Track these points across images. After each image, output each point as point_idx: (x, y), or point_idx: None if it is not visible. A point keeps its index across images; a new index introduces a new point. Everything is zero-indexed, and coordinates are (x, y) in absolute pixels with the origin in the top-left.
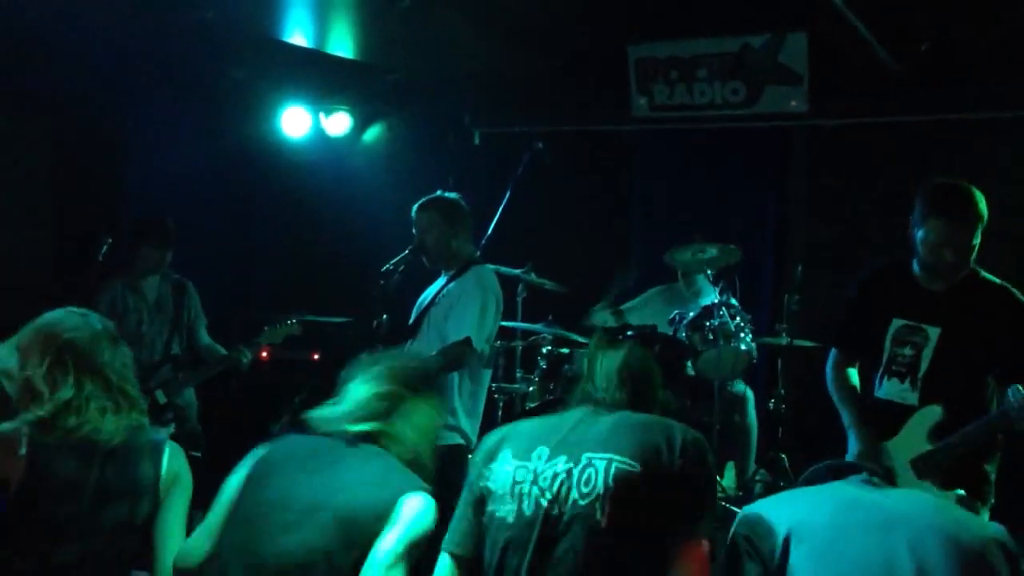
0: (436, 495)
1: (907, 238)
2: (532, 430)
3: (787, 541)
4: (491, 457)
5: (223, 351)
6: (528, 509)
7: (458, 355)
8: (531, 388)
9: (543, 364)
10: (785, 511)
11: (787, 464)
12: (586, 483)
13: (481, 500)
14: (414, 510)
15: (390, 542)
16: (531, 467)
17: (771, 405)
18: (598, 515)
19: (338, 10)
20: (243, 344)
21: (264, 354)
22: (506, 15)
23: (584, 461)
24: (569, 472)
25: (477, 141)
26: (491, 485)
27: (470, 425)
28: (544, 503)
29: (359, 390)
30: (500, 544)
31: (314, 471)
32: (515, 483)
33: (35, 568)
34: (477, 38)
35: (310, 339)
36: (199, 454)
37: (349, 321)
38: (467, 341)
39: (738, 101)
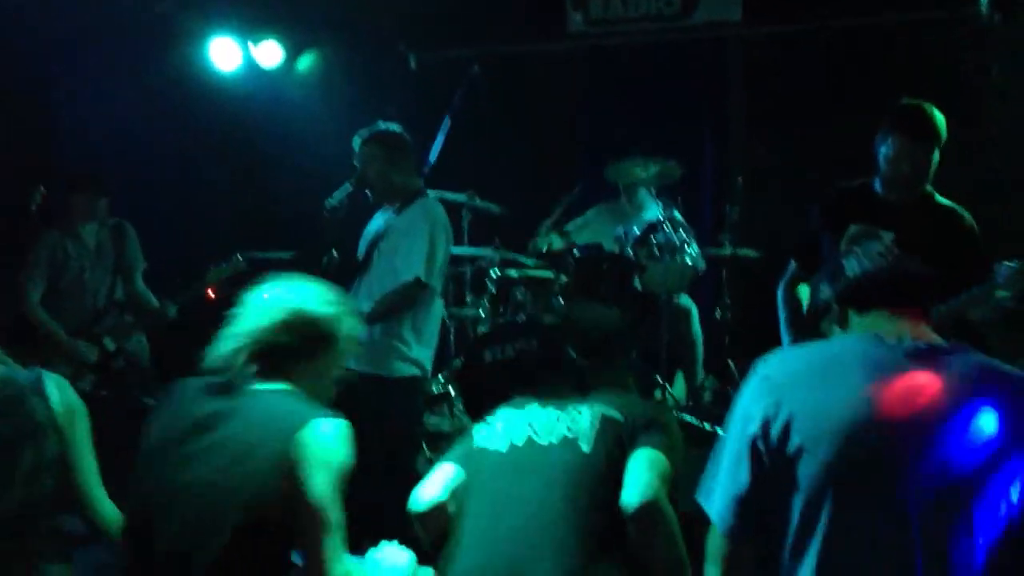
0: (399, 425)
1: (872, 156)
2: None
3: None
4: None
5: (155, 302)
6: (519, 441)
7: (407, 295)
8: (481, 312)
9: (492, 288)
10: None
11: (734, 370)
12: (574, 421)
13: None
14: (327, 437)
15: (318, 486)
16: (522, 414)
17: (717, 314)
18: (582, 444)
19: None
20: (169, 299)
21: (211, 294)
22: None
23: (572, 409)
24: (559, 416)
25: (413, 66)
26: (483, 428)
27: (425, 355)
28: (534, 437)
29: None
30: (487, 469)
31: (218, 409)
32: (508, 423)
33: None
34: None
35: (256, 275)
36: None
37: (294, 255)
38: (416, 281)
39: (672, 12)
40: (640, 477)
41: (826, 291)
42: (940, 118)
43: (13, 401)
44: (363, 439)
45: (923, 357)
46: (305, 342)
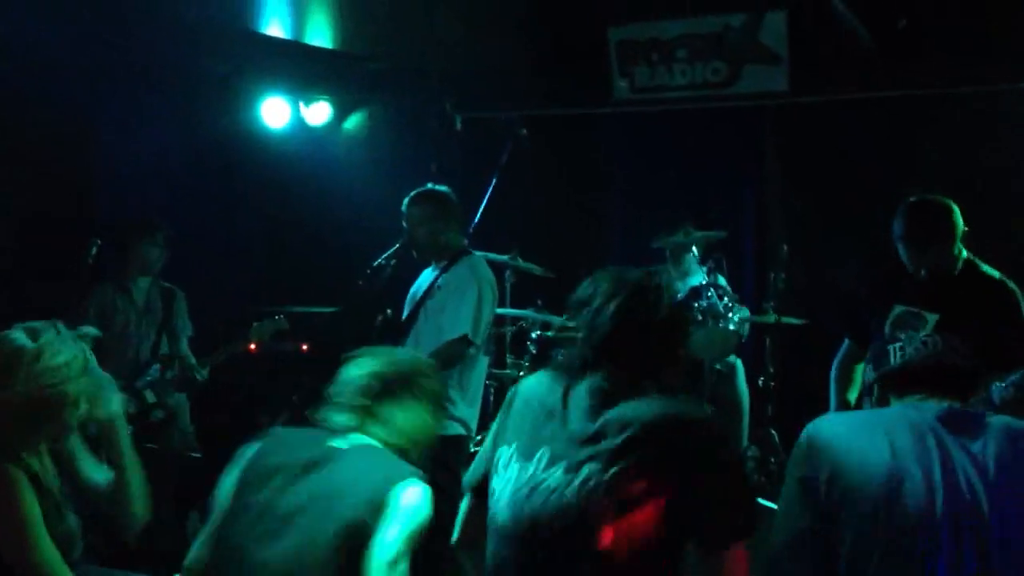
0: (434, 482)
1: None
2: (536, 420)
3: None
4: (499, 441)
5: (193, 363)
6: (522, 518)
7: (453, 353)
8: (521, 373)
9: (533, 349)
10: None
11: (776, 440)
12: (582, 482)
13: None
14: (410, 501)
15: (390, 538)
16: (531, 471)
17: (760, 382)
18: (591, 524)
19: (315, 0)
20: (200, 360)
21: (252, 347)
22: None
23: (584, 473)
24: (569, 482)
25: (459, 126)
26: (494, 484)
27: (470, 413)
28: (537, 513)
29: (352, 372)
30: (499, 553)
31: (303, 474)
32: (515, 490)
33: None
34: (456, 23)
35: (298, 330)
36: (199, 454)
37: (336, 311)
38: (463, 339)
39: (718, 81)
40: None
41: (870, 373)
42: (951, 213)
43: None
44: None
45: (956, 420)
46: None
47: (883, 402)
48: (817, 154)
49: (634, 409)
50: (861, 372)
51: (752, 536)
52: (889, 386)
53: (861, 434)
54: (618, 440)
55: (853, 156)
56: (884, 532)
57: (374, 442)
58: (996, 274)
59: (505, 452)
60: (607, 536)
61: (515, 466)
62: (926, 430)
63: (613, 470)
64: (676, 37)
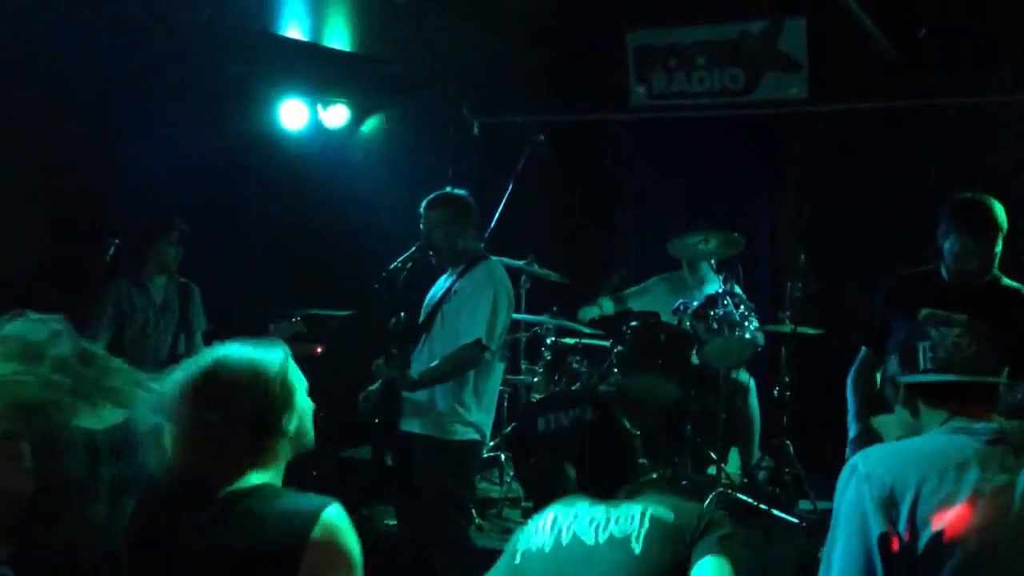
0: (448, 491)
1: (936, 246)
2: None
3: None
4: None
5: None
6: (565, 540)
7: (468, 357)
8: (536, 379)
9: (547, 355)
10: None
11: (791, 451)
12: (623, 520)
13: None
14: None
15: None
16: (571, 511)
17: (775, 392)
18: (633, 545)
19: (334, 2)
20: None
21: None
22: (504, 4)
23: (622, 507)
24: (608, 517)
25: (476, 131)
26: (528, 529)
27: (484, 419)
28: (581, 535)
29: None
30: (531, 571)
31: None
32: (555, 521)
33: None
34: (475, 28)
35: (313, 333)
36: None
37: (351, 314)
38: (477, 343)
39: (737, 88)
40: None
41: (894, 366)
42: (999, 209)
43: (128, 447)
44: (416, 500)
45: (1002, 441)
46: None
47: (911, 405)
48: (835, 162)
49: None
50: (879, 379)
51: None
52: (922, 394)
53: (936, 471)
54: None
55: (871, 165)
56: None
57: None
58: (1018, 285)
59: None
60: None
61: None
62: (990, 458)
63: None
64: (694, 43)
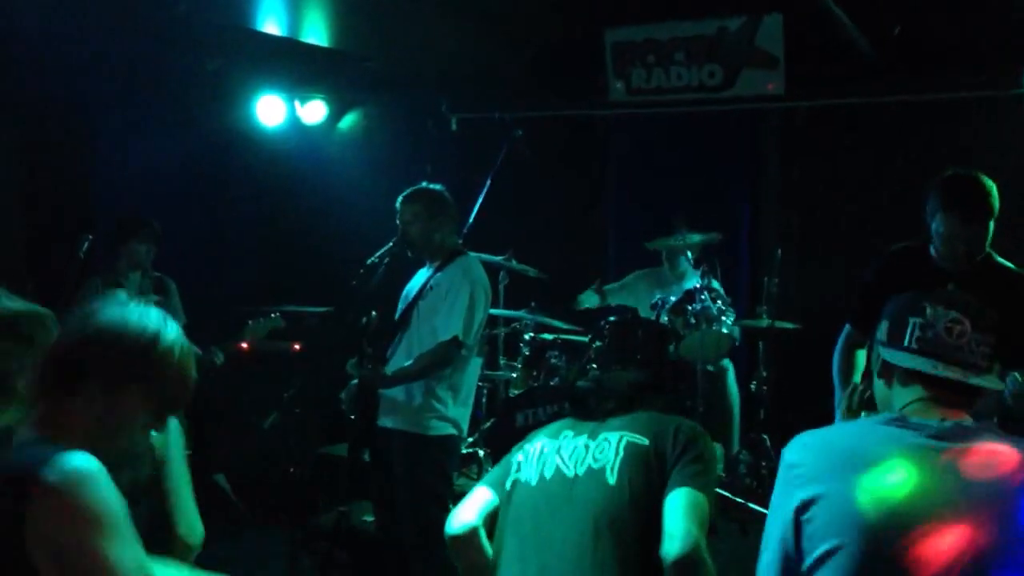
0: (424, 481)
1: (923, 224)
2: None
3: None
4: (525, 440)
5: (197, 352)
6: (548, 473)
7: (445, 354)
8: (514, 375)
9: (526, 351)
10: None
11: (769, 445)
12: (601, 450)
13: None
14: None
15: None
16: (556, 443)
17: (753, 387)
18: (608, 476)
19: None
20: (216, 345)
21: (244, 346)
22: (483, 0)
23: (600, 437)
24: (587, 446)
25: (454, 127)
26: (520, 455)
27: (461, 414)
28: (562, 468)
29: None
30: (518, 503)
31: None
32: (541, 452)
33: None
34: (453, 24)
35: (291, 330)
36: (188, 451)
37: (329, 311)
38: (454, 340)
39: (715, 84)
40: (679, 525)
41: (882, 332)
42: (992, 189)
43: None
44: (395, 495)
45: (948, 437)
46: None
47: (886, 375)
48: (813, 158)
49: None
50: (862, 358)
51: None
52: (900, 370)
53: (849, 464)
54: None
55: (849, 160)
56: None
57: None
58: (1012, 266)
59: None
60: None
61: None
62: (919, 453)
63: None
64: (672, 39)
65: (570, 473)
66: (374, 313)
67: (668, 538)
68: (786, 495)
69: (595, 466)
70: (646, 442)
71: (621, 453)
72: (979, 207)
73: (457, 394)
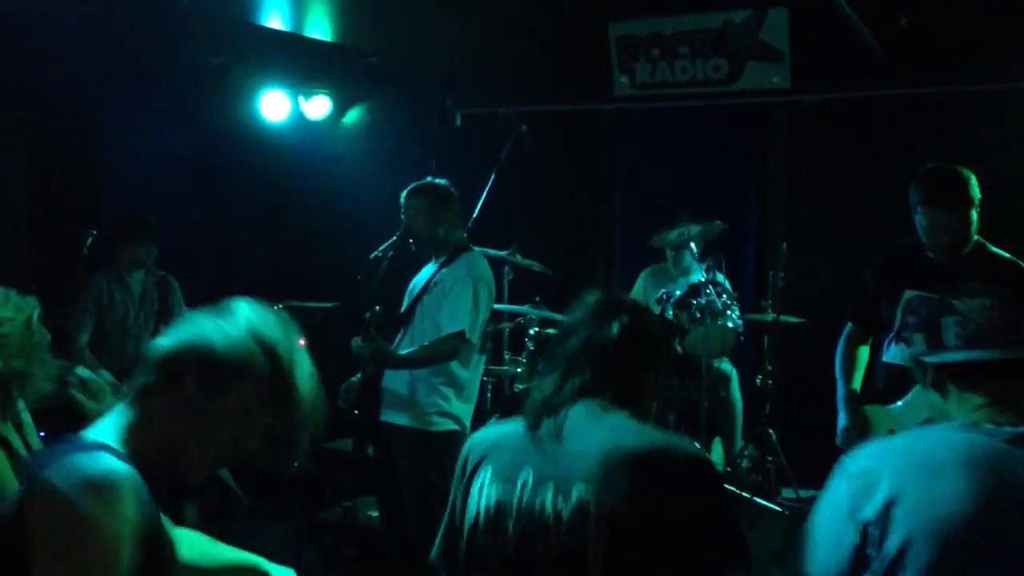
0: (427, 479)
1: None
2: (515, 444)
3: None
4: (472, 474)
5: None
6: (510, 545)
7: (448, 348)
8: (519, 369)
9: (530, 345)
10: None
11: (775, 439)
12: (573, 521)
13: (461, 517)
14: None
15: None
16: (515, 494)
17: (758, 381)
18: (587, 558)
19: None
20: None
21: None
22: None
23: (574, 496)
24: (556, 508)
25: (459, 122)
26: (471, 508)
27: (464, 409)
28: (529, 539)
29: None
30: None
31: None
32: (498, 510)
33: None
34: (457, 18)
35: (295, 325)
36: None
37: (334, 306)
38: (460, 334)
39: (720, 78)
40: None
41: (919, 345)
42: (969, 179)
43: None
44: (398, 491)
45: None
46: None
47: (941, 388)
48: (818, 152)
49: (624, 435)
50: (866, 353)
51: (750, 567)
52: (954, 377)
53: (926, 470)
54: (610, 465)
55: (854, 154)
56: None
57: None
58: (1006, 255)
59: (481, 475)
60: (600, 562)
61: (495, 488)
62: (996, 459)
63: (606, 495)
64: (677, 33)
65: (537, 548)
66: (378, 308)
67: None
68: (853, 505)
69: (571, 544)
70: (627, 509)
71: (603, 528)
72: (957, 198)
73: (460, 390)
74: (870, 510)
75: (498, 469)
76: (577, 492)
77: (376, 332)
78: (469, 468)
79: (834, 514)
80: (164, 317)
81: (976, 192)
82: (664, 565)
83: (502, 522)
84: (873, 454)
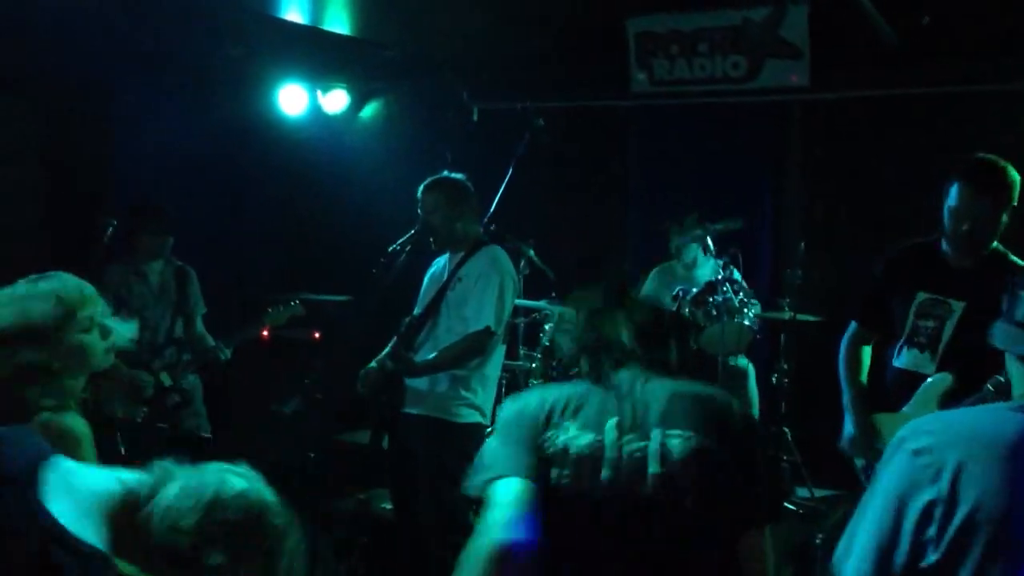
0: (449, 469)
1: (937, 218)
2: (591, 398)
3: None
4: (549, 423)
5: (212, 342)
6: (599, 488)
7: (478, 344)
8: (533, 365)
9: (545, 341)
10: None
11: (790, 438)
12: (661, 463)
13: (545, 461)
14: None
15: None
16: (601, 439)
17: (774, 379)
18: (670, 493)
19: None
20: (221, 339)
21: (265, 334)
22: None
23: (656, 438)
24: (644, 450)
25: (475, 117)
26: (557, 449)
27: (488, 401)
28: (620, 480)
29: None
30: (569, 519)
31: None
32: (588, 457)
33: None
34: (475, 13)
35: (310, 318)
36: (208, 435)
37: (350, 300)
38: (487, 330)
39: (739, 75)
40: None
41: (912, 358)
42: (1015, 177)
43: None
44: (411, 482)
45: None
46: None
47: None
48: (836, 150)
49: (680, 386)
50: (868, 353)
51: (778, 519)
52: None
53: (996, 452)
54: (685, 408)
55: (873, 152)
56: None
57: None
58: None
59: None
60: (687, 503)
61: (586, 435)
62: None
63: (685, 440)
64: (696, 30)
65: (629, 491)
66: (415, 312)
67: None
68: (915, 484)
69: (657, 482)
70: (710, 442)
71: (686, 461)
72: (994, 182)
73: (486, 381)
74: (936, 489)
75: (585, 420)
76: (658, 436)
77: (404, 346)
78: (554, 420)
79: (894, 492)
80: (182, 308)
81: (1015, 194)
82: (730, 499)
83: (596, 469)
84: (935, 430)
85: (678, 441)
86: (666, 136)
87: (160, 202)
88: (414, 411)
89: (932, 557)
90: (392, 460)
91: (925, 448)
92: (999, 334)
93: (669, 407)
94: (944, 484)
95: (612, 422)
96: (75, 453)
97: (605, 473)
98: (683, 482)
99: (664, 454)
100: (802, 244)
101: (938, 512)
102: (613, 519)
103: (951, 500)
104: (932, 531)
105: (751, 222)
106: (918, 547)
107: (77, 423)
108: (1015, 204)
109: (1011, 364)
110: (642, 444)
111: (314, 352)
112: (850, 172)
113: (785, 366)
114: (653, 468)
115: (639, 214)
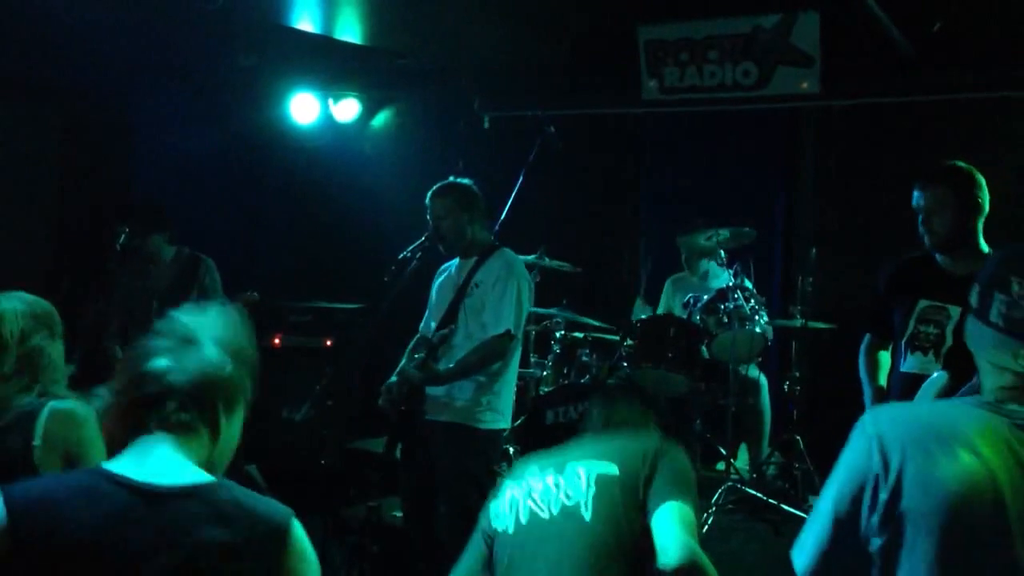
0: (471, 474)
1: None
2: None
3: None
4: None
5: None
6: (524, 518)
7: (499, 348)
8: (545, 372)
9: (557, 348)
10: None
11: (802, 446)
12: (571, 486)
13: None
14: None
15: None
16: (523, 485)
17: (785, 387)
18: (583, 512)
19: None
20: None
21: (276, 341)
22: None
23: (568, 469)
24: (557, 484)
25: (487, 125)
26: (492, 510)
27: (509, 406)
28: (536, 511)
29: None
30: (505, 557)
31: None
32: (512, 499)
33: None
34: (486, 21)
35: (322, 325)
36: None
37: (361, 307)
38: (507, 334)
39: (749, 83)
40: (671, 536)
41: (918, 361)
42: (974, 175)
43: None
44: (425, 490)
45: None
46: None
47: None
48: (848, 157)
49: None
50: (887, 359)
51: None
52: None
53: (937, 442)
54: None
55: (884, 160)
56: (953, 561)
57: None
58: None
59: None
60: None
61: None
62: (1004, 439)
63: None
64: (706, 38)
65: (545, 515)
66: (444, 331)
67: (662, 552)
68: (868, 464)
69: (569, 504)
70: (615, 471)
71: (592, 487)
72: (949, 179)
73: (506, 386)
74: (883, 476)
75: (511, 477)
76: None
77: (429, 355)
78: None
79: (852, 470)
80: (200, 298)
81: (976, 188)
82: None
83: (517, 508)
84: (896, 418)
85: (585, 467)
86: (677, 144)
87: (171, 208)
88: (438, 418)
89: (876, 542)
90: (407, 470)
91: (880, 435)
92: (971, 333)
93: (590, 448)
94: (892, 473)
95: (531, 469)
96: (80, 435)
97: (523, 516)
98: (586, 500)
99: (571, 483)
100: (814, 251)
101: (882, 498)
102: (534, 540)
103: (895, 489)
104: (875, 518)
105: (762, 229)
106: (867, 530)
107: (81, 407)
108: (983, 205)
109: (980, 359)
110: (555, 478)
111: (325, 359)
112: (861, 179)
113: (797, 374)
114: (562, 496)
115: (650, 222)
